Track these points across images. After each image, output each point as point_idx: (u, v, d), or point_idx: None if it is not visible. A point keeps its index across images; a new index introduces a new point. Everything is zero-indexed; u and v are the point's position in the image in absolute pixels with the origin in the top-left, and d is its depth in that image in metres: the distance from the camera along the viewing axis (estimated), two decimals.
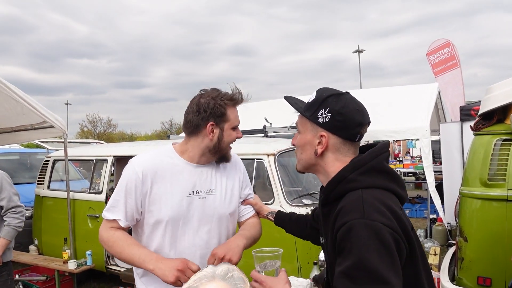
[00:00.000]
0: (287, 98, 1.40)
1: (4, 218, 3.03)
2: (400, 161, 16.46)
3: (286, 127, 6.03)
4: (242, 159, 4.00)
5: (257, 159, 3.69)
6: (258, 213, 1.95)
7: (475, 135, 3.38)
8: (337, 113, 1.21)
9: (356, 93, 1.37)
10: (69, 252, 4.94)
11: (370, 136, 6.88)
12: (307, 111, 1.28)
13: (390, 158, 13.07)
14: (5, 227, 3.01)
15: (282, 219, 1.88)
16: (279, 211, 1.92)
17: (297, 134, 1.36)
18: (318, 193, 4.04)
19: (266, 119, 5.73)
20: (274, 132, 5.78)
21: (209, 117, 1.64)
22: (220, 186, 1.78)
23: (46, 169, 5.87)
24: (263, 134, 5.44)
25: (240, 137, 1.74)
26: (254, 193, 3.72)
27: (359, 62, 30.50)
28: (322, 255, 3.47)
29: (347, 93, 1.27)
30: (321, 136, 1.24)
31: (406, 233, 1.08)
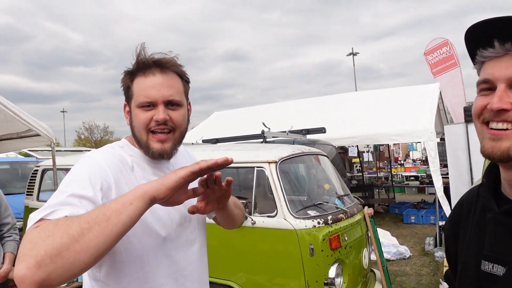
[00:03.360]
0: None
1: (8, 234, 3.01)
2: (401, 165, 16.16)
3: (285, 131, 5.80)
4: (240, 167, 3.78)
5: (257, 167, 3.41)
6: None
7: None
8: None
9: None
10: None
11: (372, 140, 6.59)
12: None
13: (391, 162, 12.82)
14: (11, 242, 2.98)
15: None
16: None
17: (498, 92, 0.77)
18: (326, 203, 3.70)
19: (264, 124, 5.50)
20: (273, 137, 5.56)
21: (125, 97, 1.28)
22: None
23: (35, 179, 5.59)
24: (261, 140, 5.21)
25: (159, 120, 1.17)
26: (255, 203, 3.48)
27: (354, 65, 30.38)
28: (332, 274, 3.16)
29: None
30: None
31: None
